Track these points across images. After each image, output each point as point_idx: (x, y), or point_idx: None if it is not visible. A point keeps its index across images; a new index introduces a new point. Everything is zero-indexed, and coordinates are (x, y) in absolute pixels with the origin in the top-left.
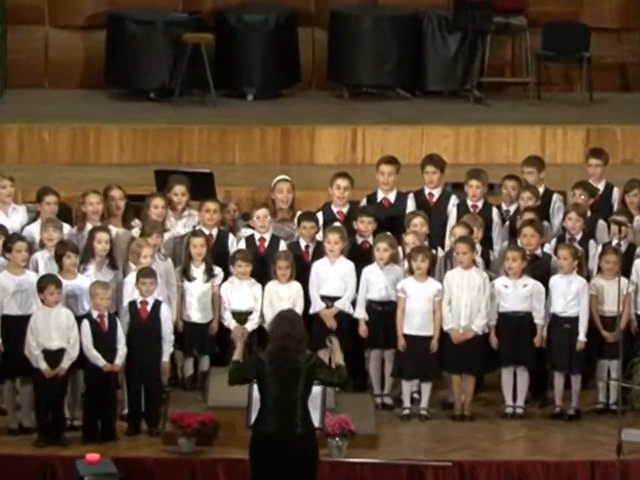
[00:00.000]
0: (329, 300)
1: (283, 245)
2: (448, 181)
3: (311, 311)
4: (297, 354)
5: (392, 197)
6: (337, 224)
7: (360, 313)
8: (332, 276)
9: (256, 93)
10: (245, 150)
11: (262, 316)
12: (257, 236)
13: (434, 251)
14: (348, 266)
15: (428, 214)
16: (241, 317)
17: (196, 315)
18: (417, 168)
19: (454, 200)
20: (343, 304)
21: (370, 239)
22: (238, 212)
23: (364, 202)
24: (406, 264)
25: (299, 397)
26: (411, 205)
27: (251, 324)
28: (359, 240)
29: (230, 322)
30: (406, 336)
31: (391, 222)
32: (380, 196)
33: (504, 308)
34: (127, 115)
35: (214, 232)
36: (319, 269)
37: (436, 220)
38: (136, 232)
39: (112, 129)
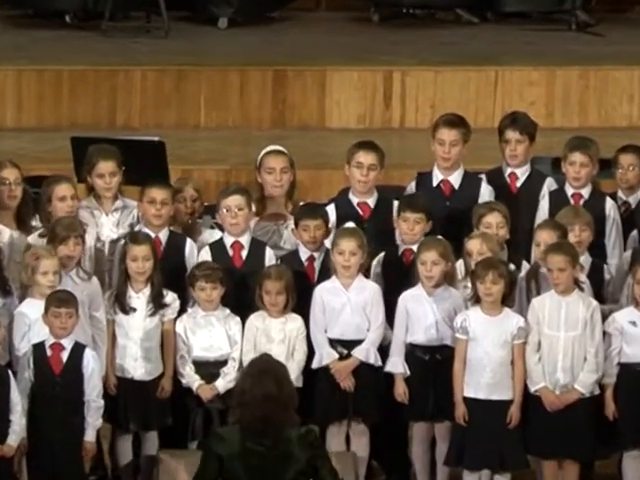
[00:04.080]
0: (343, 346)
1: (271, 255)
2: (539, 155)
3: (315, 364)
4: (285, 427)
5: (456, 180)
6: (351, 224)
7: (396, 365)
8: (347, 307)
9: (232, 16)
10: (216, 106)
11: (241, 369)
12: (229, 240)
13: (513, 266)
14: (372, 291)
15: (509, 206)
16: (209, 371)
17: (137, 368)
18: (490, 134)
19: (549, 184)
20: (366, 352)
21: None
22: (199, 202)
23: (412, 187)
24: (468, 286)
25: None
26: (486, 193)
27: (225, 381)
28: (401, 248)
29: (191, 379)
30: (469, 401)
31: (453, 220)
32: (437, 178)
33: (628, 357)
34: (28, 51)
35: (163, 235)
36: (326, 296)
37: (521, 216)
38: (33, 238)
39: (5, 73)
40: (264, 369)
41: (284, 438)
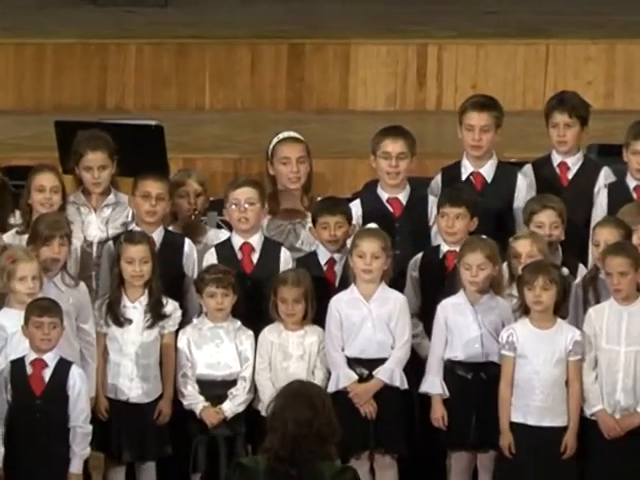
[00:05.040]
0: (363, 366)
1: (287, 257)
2: (594, 142)
3: (331, 387)
4: (318, 460)
5: (488, 172)
6: (373, 225)
7: (434, 385)
8: (368, 321)
9: None
10: (222, 85)
11: (255, 389)
12: (238, 241)
13: (565, 271)
14: (397, 302)
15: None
16: (216, 392)
17: (133, 388)
18: (540, 118)
19: (606, 175)
20: (390, 372)
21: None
22: (204, 197)
23: (437, 182)
24: (514, 294)
25: None
26: (523, 186)
27: (233, 404)
28: (442, 249)
29: (194, 400)
30: (517, 427)
31: (485, 218)
32: (466, 170)
33: None
34: (7, 22)
35: (157, 235)
36: (343, 309)
37: (574, 212)
38: (10, 236)
39: None
40: (299, 392)
41: (317, 472)
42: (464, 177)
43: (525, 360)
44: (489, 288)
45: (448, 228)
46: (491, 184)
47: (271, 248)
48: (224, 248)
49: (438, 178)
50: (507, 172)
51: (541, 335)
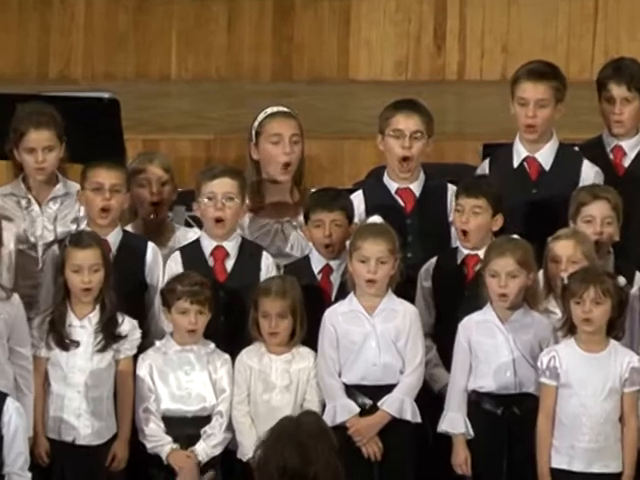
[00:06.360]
0: (366, 395)
1: (270, 263)
2: None
3: (328, 422)
4: None
5: (546, 157)
6: (377, 219)
7: (455, 423)
8: (372, 340)
9: None
10: (192, 49)
11: (231, 428)
12: (209, 244)
13: (622, 280)
14: (407, 315)
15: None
16: (186, 430)
17: (81, 427)
18: (588, 90)
19: None
20: (399, 403)
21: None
22: (170, 187)
23: (484, 168)
24: (552, 310)
25: None
26: (590, 175)
27: (207, 446)
28: (462, 253)
29: (159, 441)
30: (559, 474)
31: (541, 214)
32: (519, 155)
33: None
34: None
35: (113, 237)
36: (341, 325)
37: (631, 207)
38: None
39: None
40: (285, 432)
41: None
42: (516, 164)
43: (570, 391)
44: (522, 301)
45: (462, 224)
46: (549, 172)
47: (250, 252)
48: (192, 252)
49: (485, 164)
50: (570, 157)
51: (590, 360)
